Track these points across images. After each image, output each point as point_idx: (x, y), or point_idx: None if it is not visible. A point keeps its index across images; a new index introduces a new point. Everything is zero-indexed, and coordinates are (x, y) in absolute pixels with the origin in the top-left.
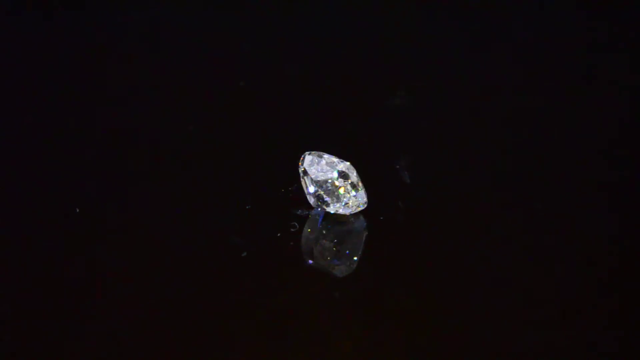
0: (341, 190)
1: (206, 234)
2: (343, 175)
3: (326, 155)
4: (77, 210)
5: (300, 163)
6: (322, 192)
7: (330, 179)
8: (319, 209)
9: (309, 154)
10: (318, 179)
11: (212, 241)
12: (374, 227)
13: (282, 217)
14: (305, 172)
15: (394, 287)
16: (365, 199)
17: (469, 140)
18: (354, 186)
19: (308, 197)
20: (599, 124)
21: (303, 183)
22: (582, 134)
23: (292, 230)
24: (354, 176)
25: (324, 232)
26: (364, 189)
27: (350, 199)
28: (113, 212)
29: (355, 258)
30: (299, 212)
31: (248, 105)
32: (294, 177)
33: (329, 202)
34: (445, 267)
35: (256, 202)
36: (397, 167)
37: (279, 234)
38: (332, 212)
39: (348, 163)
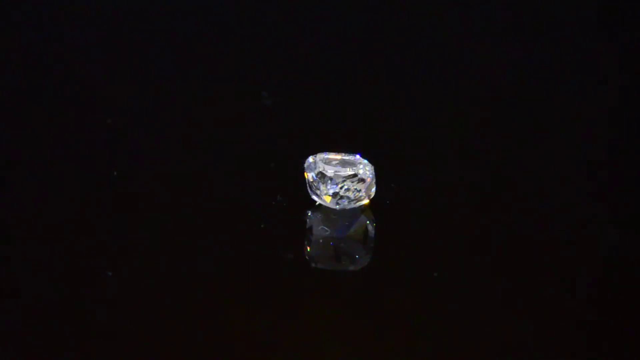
0: (369, 182)
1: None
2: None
3: (331, 154)
4: (110, 274)
5: (307, 168)
6: (340, 190)
7: (354, 175)
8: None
9: (317, 156)
10: (339, 176)
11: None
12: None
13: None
14: (320, 174)
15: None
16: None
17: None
18: (372, 177)
19: (326, 199)
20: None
21: (315, 186)
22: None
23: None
24: (369, 167)
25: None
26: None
27: (367, 190)
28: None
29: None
30: (310, 215)
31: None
32: (290, 183)
33: (351, 198)
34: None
35: (266, 215)
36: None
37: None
38: (351, 207)
39: (356, 155)
